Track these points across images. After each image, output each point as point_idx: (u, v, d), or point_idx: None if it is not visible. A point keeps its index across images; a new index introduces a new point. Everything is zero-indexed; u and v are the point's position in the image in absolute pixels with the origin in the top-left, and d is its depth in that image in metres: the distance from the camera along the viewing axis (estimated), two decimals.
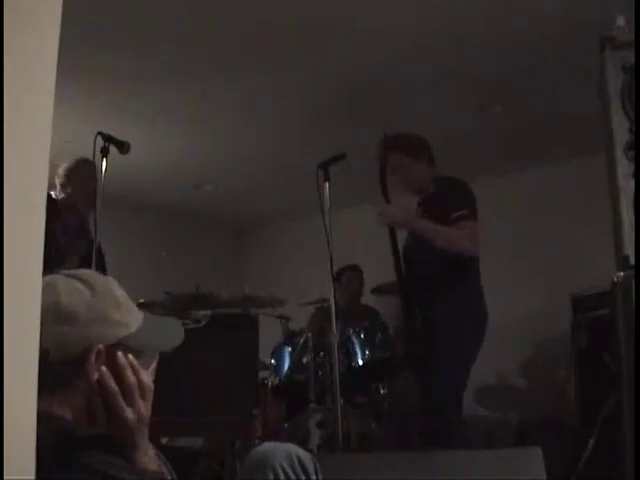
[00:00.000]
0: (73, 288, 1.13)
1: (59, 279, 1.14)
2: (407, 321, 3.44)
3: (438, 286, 3.22)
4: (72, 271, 1.18)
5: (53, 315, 1.08)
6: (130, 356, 1.13)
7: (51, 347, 1.06)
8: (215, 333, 3.06)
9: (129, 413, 1.10)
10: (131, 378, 1.11)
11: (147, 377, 1.14)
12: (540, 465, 2.14)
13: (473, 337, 3.21)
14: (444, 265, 3.18)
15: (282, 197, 6.09)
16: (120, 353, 1.12)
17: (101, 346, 1.10)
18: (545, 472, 2.12)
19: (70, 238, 3.37)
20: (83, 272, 1.19)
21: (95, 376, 1.09)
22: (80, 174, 3.49)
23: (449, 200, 3.19)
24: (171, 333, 1.26)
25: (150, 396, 1.13)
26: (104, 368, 1.10)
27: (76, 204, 3.50)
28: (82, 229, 3.52)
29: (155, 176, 5.55)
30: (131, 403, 1.10)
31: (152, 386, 1.15)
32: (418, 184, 3.33)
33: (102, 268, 3.37)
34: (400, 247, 3.39)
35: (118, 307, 1.16)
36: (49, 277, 1.13)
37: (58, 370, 1.07)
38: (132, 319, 1.17)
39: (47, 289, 1.10)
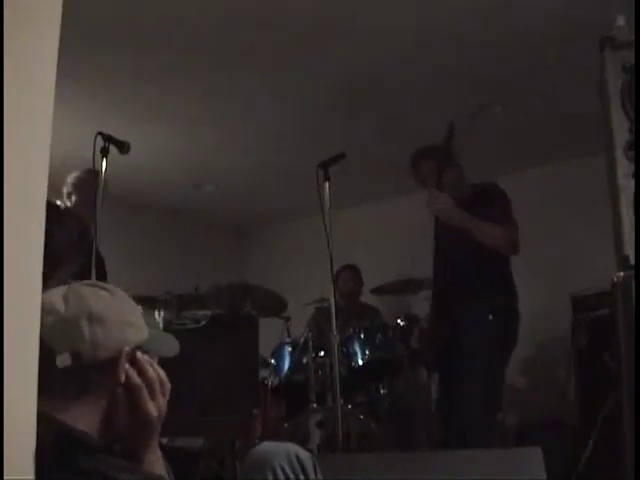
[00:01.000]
0: (97, 294, 1.17)
1: (81, 287, 1.18)
2: (435, 321, 3.43)
3: (473, 286, 3.22)
4: (87, 281, 1.23)
5: (87, 319, 1.11)
6: (146, 355, 1.18)
7: (85, 350, 1.10)
8: (215, 333, 3.06)
9: (151, 407, 1.14)
10: (153, 373, 1.16)
11: (165, 375, 1.19)
12: (540, 465, 2.14)
13: (502, 350, 3.18)
14: (481, 264, 3.20)
15: (282, 197, 6.09)
16: (140, 352, 1.17)
17: (128, 349, 1.15)
18: (545, 472, 2.12)
19: (71, 245, 3.36)
20: (98, 282, 1.24)
21: (123, 378, 1.13)
22: (86, 184, 3.49)
23: (488, 203, 3.24)
24: (170, 343, 1.31)
25: (168, 393, 1.18)
26: (127, 365, 1.14)
27: (80, 213, 3.50)
28: (84, 236, 3.51)
29: (155, 176, 5.55)
30: (153, 397, 1.15)
31: (169, 384, 1.19)
32: (452, 187, 3.34)
33: (102, 274, 3.37)
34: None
35: (135, 313, 1.21)
36: (69, 286, 1.17)
37: (86, 374, 1.11)
38: (144, 325, 1.22)
39: (74, 296, 1.14)
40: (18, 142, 0.92)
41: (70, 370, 1.07)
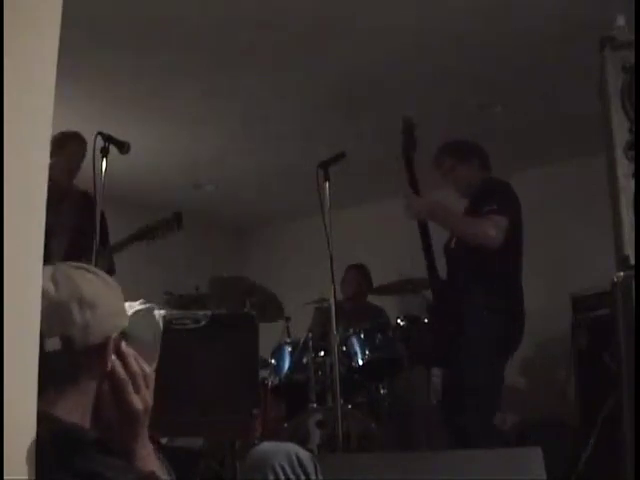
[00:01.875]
0: (86, 278, 1.15)
1: (69, 269, 1.16)
2: (436, 321, 3.41)
3: (473, 287, 3.17)
4: (74, 263, 1.20)
5: (77, 303, 1.09)
6: (130, 348, 1.16)
7: (75, 335, 1.08)
8: (215, 333, 3.06)
9: (136, 400, 1.13)
10: (136, 367, 1.15)
11: (148, 367, 1.18)
12: (540, 465, 2.14)
13: (502, 347, 3.13)
14: (481, 263, 3.12)
15: (282, 197, 6.08)
16: (124, 343, 1.15)
17: (116, 334, 1.14)
18: (545, 472, 2.13)
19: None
20: (85, 264, 1.21)
21: (110, 365, 1.12)
22: (66, 149, 3.40)
23: (486, 197, 3.19)
24: (152, 327, 1.30)
25: (152, 385, 1.17)
26: (113, 357, 1.13)
27: (52, 178, 3.40)
28: (58, 206, 3.40)
29: (155, 176, 5.54)
30: (138, 390, 1.14)
31: (153, 375, 1.18)
32: (465, 184, 3.36)
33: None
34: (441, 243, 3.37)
35: (121, 297, 1.20)
36: (56, 267, 1.14)
37: (76, 360, 1.09)
38: (126, 310, 1.21)
39: (64, 278, 1.12)
40: (18, 142, 0.92)
41: (60, 355, 1.06)
